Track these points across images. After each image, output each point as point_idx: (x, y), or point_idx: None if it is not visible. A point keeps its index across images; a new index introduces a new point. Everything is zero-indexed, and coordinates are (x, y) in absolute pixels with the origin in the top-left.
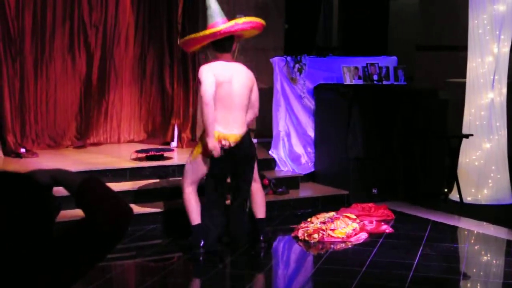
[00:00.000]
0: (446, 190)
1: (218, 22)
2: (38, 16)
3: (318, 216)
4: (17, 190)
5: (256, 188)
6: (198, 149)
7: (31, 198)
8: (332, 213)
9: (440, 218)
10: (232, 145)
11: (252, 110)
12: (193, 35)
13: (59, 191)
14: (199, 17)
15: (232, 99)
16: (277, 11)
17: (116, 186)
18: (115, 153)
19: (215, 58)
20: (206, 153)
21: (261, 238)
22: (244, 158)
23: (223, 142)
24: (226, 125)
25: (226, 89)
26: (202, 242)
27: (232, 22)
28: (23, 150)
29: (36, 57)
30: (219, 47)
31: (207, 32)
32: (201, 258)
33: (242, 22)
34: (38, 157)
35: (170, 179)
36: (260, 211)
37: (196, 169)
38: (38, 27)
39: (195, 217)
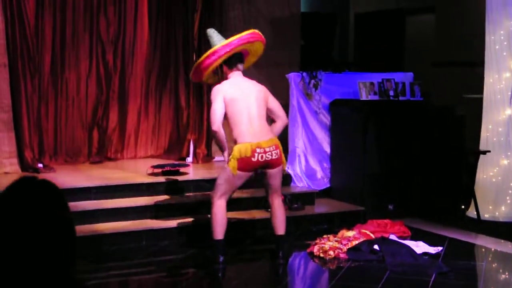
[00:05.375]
0: (463, 206)
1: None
2: (58, 33)
3: (337, 234)
4: (39, 193)
5: (279, 203)
6: (232, 166)
7: (53, 201)
8: (353, 233)
9: (457, 235)
10: (267, 151)
11: (280, 120)
12: (197, 61)
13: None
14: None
15: (249, 111)
16: (293, 27)
17: (132, 202)
18: (131, 169)
19: (226, 78)
20: (241, 167)
21: (280, 255)
22: (273, 163)
23: (258, 151)
24: (253, 135)
25: (241, 105)
26: (222, 258)
27: (230, 39)
28: (40, 165)
29: (55, 74)
30: (229, 64)
31: (208, 52)
32: (220, 274)
33: (238, 37)
34: (56, 173)
35: (186, 194)
36: (280, 228)
37: (230, 185)
38: (57, 44)
39: (219, 232)
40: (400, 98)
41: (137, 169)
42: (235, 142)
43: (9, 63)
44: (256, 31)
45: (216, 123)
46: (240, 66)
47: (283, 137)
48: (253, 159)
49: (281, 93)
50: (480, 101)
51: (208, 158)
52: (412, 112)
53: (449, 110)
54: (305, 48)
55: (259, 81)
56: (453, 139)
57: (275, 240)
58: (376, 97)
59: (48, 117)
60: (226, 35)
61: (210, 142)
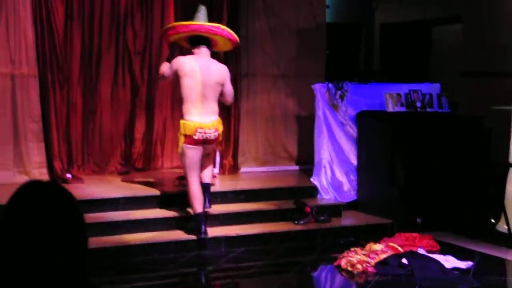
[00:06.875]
0: (493, 220)
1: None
2: (86, 44)
3: (364, 248)
4: (47, 196)
5: (209, 167)
6: (181, 141)
7: (61, 203)
8: (380, 246)
9: (487, 250)
10: (207, 132)
11: (224, 100)
12: (165, 27)
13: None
14: (241, 45)
15: (201, 90)
16: (318, 37)
17: (160, 213)
18: (158, 179)
19: (192, 53)
20: (186, 141)
21: (207, 203)
22: (210, 141)
23: (200, 131)
24: (200, 115)
25: (194, 82)
26: (203, 228)
27: (192, 22)
28: (69, 175)
29: (83, 84)
30: (192, 43)
31: (171, 25)
32: (204, 243)
33: (199, 23)
34: (84, 183)
35: (213, 205)
36: (206, 178)
37: (187, 158)
38: (85, 55)
39: (198, 207)
40: (428, 109)
41: (164, 180)
42: (182, 116)
43: (39, 74)
44: (222, 26)
45: (162, 73)
46: (203, 49)
47: (309, 149)
48: (194, 137)
49: (307, 104)
50: (508, 113)
51: (234, 169)
52: (440, 124)
53: (478, 122)
54: (330, 59)
55: (286, 94)
56: (481, 151)
57: (202, 187)
58: (403, 109)
59: (77, 127)
60: (252, 47)
61: (237, 154)
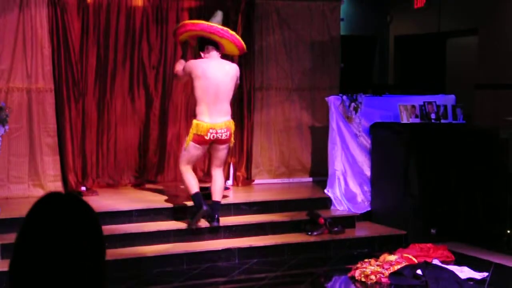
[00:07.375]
0: (508, 231)
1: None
2: (101, 58)
3: (378, 259)
4: (67, 208)
5: (220, 174)
6: (189, 138)
7: (81, 215)
8: (394, 257)
9: (503, 261)
10: (218, 132)
11: None
12: (176, 26)
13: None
14: (255, 58)
15: (214, 91)
16: (333, 50)
17: (173, 225)
18: (172, 191)
19: (202, 56)
20: (195, 140)
21: (216, 217)
22: (222, 141)
23: (211, 131)
24: (211, 115)
25: (208, 83)
26: (205, 206)
27: (201, 21)
28: (83, 188)
29: (98, 98)
30: (200, 45)
31: (197, 21)
32: (209, 217)
33: (208, 23)
34: (98, 196)
35: (226, 217)
36: (218, 194)
37: (190, 154)
38: (100, 69)
39: (194, 187)
40: (442, 121)
41: (178, 192)
42: (195, 116)
43: (55, 89)
44: (231, 32)
45: (176, 72)
46: (213, 52)
47: (323, 160)
48: (205, 137)
49: (321, 116)
50: None
51: (248, 181)
52: (455, 135)
53: (493, 133)
54: (345, 71)
55: (301, 106)
56: (497, 162)
57: (212, 204)
58: (417, 120)
59: (92, 141)
60: (266, 60)
61: (250, 166)
